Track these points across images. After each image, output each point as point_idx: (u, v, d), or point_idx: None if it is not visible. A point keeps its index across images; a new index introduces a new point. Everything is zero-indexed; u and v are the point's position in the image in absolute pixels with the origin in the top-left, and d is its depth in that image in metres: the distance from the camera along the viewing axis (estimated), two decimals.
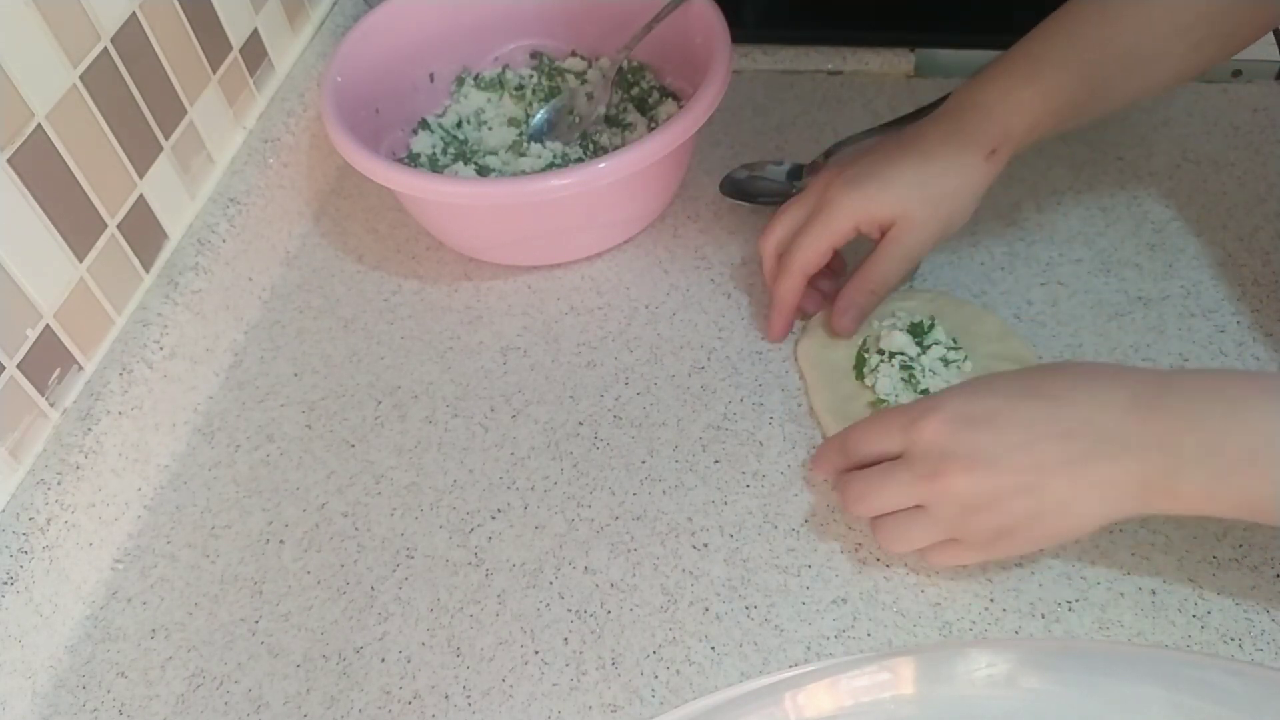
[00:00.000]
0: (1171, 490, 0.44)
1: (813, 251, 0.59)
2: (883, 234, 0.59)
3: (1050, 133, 0.58)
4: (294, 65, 0.78)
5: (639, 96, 0.76)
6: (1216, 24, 0.55)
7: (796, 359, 0.62)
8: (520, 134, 0.75)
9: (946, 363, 0.58)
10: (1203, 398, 0.44)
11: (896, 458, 0.49)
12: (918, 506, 0.49)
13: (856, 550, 0.53)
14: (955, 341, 0.59)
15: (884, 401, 0.57)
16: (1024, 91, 0.56)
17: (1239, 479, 0.43)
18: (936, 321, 0.59)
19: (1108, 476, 0.45)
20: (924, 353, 0.58)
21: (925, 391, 0.57)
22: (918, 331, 0.59)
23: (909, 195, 0.57)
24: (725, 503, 0.56)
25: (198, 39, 0.67)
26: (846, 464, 0.52)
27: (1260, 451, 0.42)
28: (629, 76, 0.76)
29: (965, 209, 0.58)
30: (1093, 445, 0.45)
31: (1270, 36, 0.73)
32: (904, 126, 0.74)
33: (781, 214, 0.62)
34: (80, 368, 0.58)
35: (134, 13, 0.61)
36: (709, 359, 0.63)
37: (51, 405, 0.56)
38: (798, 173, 0.72)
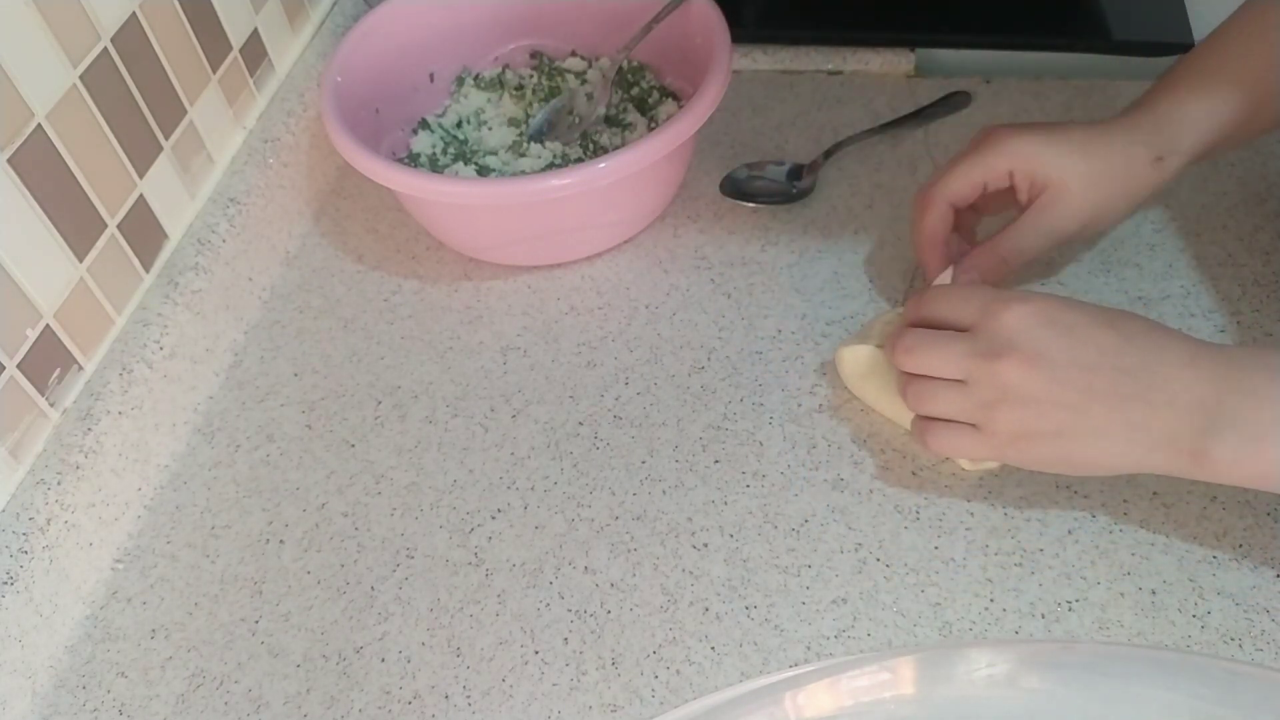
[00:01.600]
0: (1200, 451, 0.45)
1: (964, 181, 0.57)
2: (1028, 201, 0.57)
3: (1220, 149, 0.57)
4: (294, 65, 0.78)
5: (639, 96, 0.76)
6: None
7: (847, 383, 0.60)
8: (520, 134, 0.75)
9: None
10: (1251, 366, 0.46)
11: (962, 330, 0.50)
12: (957, 380, 0.50)
13: (856, 550, 0.54)
14: None
15: None
16: (1193, 105, 0.55)
17: (1268, 447, 0.44)
18: None
19: (1144, 422, 0.46)
20: None
21: None
22: None
23: (1073, 164, 0.55)
24: (725, 503, 0.56)
25: (198, 39, 0.67)
26: (915, 318, 0.53)
27: None
28: (629, 76, 0.76)
29: (1120, 206, 0.56)
30: (1143, 389, 0.46)
31: None
32: (906, 126, 0.74)
33: (947, 165, 0.59)
34: (80, 368, 0.58)
35: (134, 13, 0.61)
36: (709, 359, 0.63)
37: (51, 405, 0.56)
38: (798, 173, 0.72)
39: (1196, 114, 0.56)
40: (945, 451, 0.53)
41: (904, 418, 0.57)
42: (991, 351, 0.48)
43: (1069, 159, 0.55)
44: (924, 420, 0.52)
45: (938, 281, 0.59)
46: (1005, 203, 0.59)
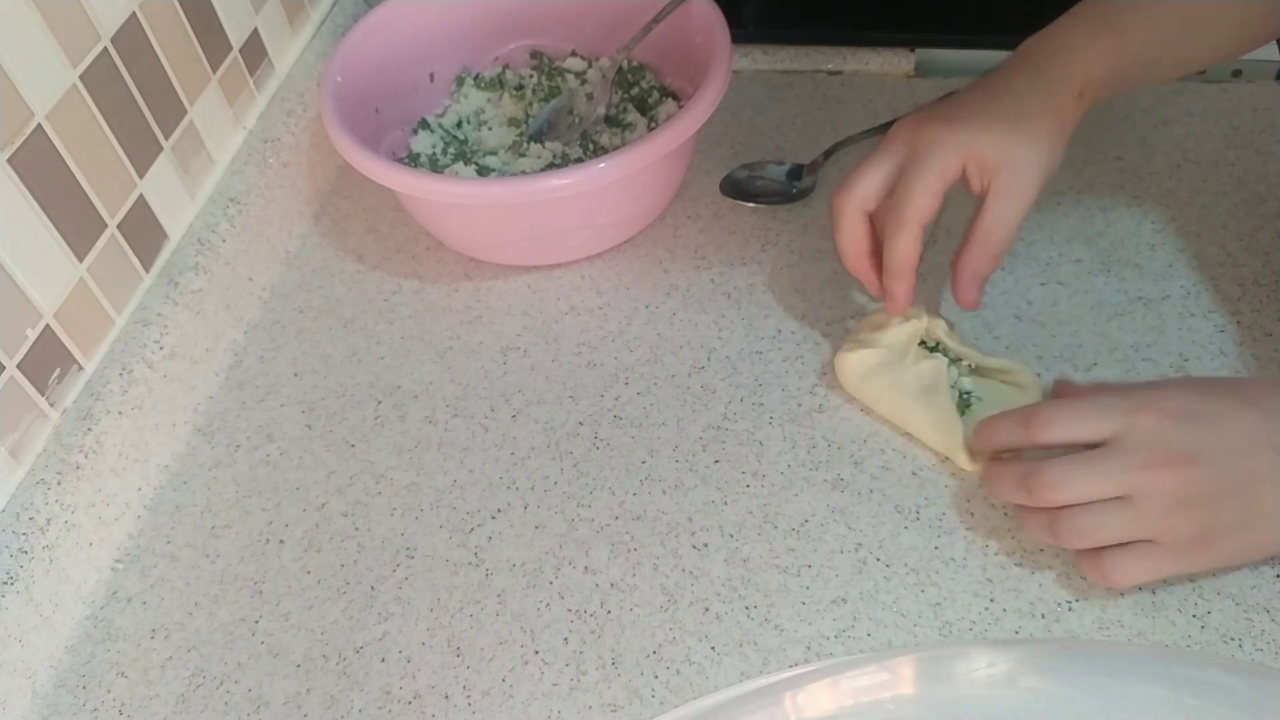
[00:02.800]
0: None
1: (927, 195, 0.54)
2: (983, 187, 0.54)
3: (1122, 89, 0.56)
4: (294, 65, 0.78)
5: (639, 96, 0.76)
6: None
7: (848, 388, 0.59)
8: (520, 134, 0.75)
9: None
10: None
11: (1092, 446, 0.48)
12: (1119, 498, 0.47)
13: (856, 550, 0.53)
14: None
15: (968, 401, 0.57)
16: (1104, 40, 0.54)
17: None
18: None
19: None
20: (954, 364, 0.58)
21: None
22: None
23: (1014, 136, 0.53)
24: (725, 503, 0.56)
25: (198, 39, 0.67)
26: (1026, 443, 0.50)
27: None
28: (629, 76, 0.76)
29: (1060, 150, 0.55)
30: None
31: None
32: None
33: (862, 167, 0.57)
34: (80, 368, 0.58)
35: (134, 13, 0.61)
36: (709, 359, 0.63)
37: (51, 405, 0.56)
38: (798, 173, 0.72)
39: (1109, 47, 0.54)
40: (1133, 582, 0.48)
41: (905, 420, 0.57)
42: (1152, 460, 0.46)
43: (1007, 135, 0.53)
44: (1093, 553, 0.49)
45: (845, 359, 0.58)
46: None
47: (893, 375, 0.57)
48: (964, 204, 0.56)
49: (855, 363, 0.58)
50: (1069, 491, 0.48)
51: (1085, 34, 0.55)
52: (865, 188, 0.56)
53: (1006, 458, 0.53)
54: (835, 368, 0.60)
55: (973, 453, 0.55)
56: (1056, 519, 0.48)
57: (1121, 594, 0.50)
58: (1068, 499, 0.48)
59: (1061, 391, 0.57)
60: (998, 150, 0.53)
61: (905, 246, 0.55)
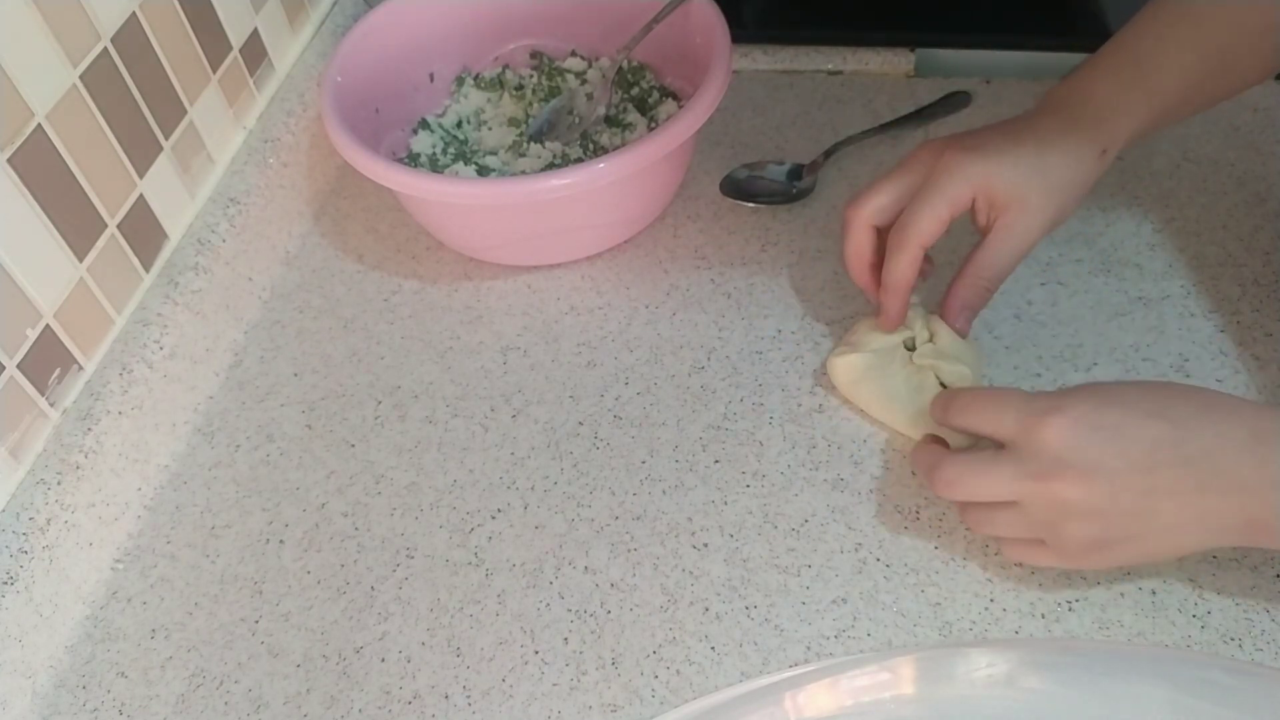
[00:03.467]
0: (1276, 527, 0.44)
1: (932, 220, 0.55)
2: (988, 222, 0.55)
3: (1149, 135, 0.57)
4: (294, 65, 0.78)
5: (639, 96, 0.76)
6: None
7: (842, 392, 0.60)
8: (520, 134, 0.75)
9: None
10: None
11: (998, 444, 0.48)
12: (1011, 502, 0.48)
13: (856, 550, 0.53)
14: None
15: None
16: (1132, 94, 0.55)
17: None
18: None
19: (1216, 510, 0.44)
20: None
21: None
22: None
23: (1029, 179, 0.54)
24: (725, 503, 0.56)
25: (198, 39, 0.67)
26: (943, 422, 0.52)
27: None
28: (629, 76, 0.76)
29: (1075, 203, 0.56)
30: (1209, 478, 0.44)
31: None
32: (906, 126, 0.74)
33: (878, 183, 0.57)
34: (80, 368, 0.58)
35: (134, 13, 0.61)
36: (709, 359, 0.63)
37: (51, 405, 0.56)
38: (798, 173, 0.72)
39: (1136, 107, 0.55)
40: (1024, 562, 0.50)
41: (899, 422, 0.57)
42: (1042, 473, 0.46)
43: (1027, 175, 0.54)
44: (1003, 542, 0.51)
45: (838, 362, 0.58)
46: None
47: (882, 378, 0.57)
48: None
49: (845, 367, 0.59)
50: (962, 490, 0.49)
51: (1116, 87, 0.55)
52: (877, 204, 0.57)
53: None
54: (828, 371, 0.60)
55: None
56: (962, 509, 0.51)
57: (1121, 593, 0.50)
58: (962, 497, 0.49)
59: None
60: (1010, 189, 0.54)
61: (902, 266, 0.56)
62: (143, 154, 0.62)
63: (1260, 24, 0.55)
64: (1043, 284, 0.64)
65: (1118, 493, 0.45)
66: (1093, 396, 0.47)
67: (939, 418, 0.53)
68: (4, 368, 0.53)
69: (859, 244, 0.58)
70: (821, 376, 0.61)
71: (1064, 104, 0.56)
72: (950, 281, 0.57)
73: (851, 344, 0.59)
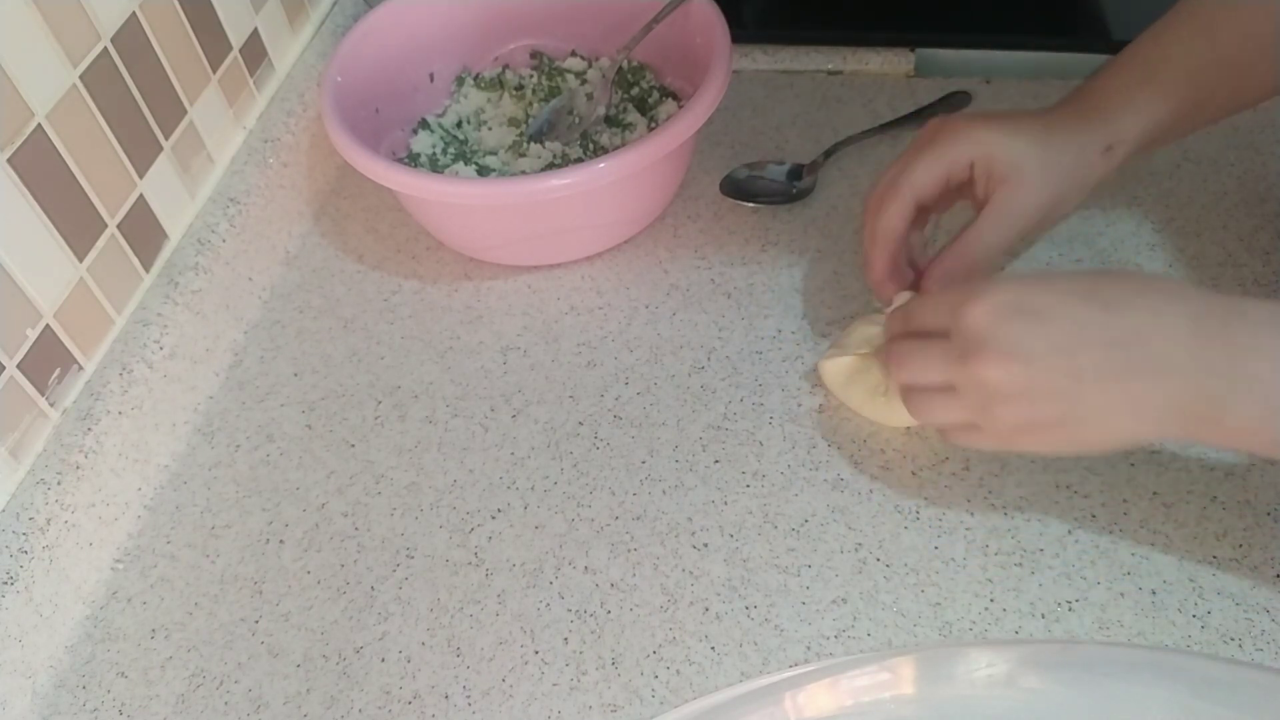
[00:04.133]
0: (1216, 419, 0.43)
1: (927, 174, 0.55)
2: (985, 195, 0.55)
3: (1161, 141, 0.57)
4: (294, 65, 0.78)
5: (639, 96, 0.76)
6: None
7: (835, 395, 0.60)
8: (520, 134, 0.75)
9: None
10: (1270, 328, 0.43)
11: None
12: (947, 386, 0.48)
13: (856, 550, 0.53)
14: None
15: None
16: (1139, 92, 0.55)
17: None
18: None
19: (1147, 396, 0.44)
20: None
21: None
22: None
23: (1030, 154, 0.54)
24: (725, 503, 0.56)
25: (198, 39, 0.67)
26: (901, 331, 0.52)
27: None
28: (629, 76, 0.76)
29: (1074, 195, 0.56)
30: (1139, 361, 0.44)
31: None
32: (906, 126, 0.75)
33: (904, 162, 0.57)
34: (80, 368, 0.58)
35: (134, 13, 0.61)
36: (709, 359, 0.63)
37: (51, 405, 0.56)
38: (798, 173, 0.72)
39: (1142, 106, 0.55)
40: (964, 444, 0.51)
41: (891, 419, 0.57)
42: (966, 353, 0.46)
43: (1027, 150, 0.54)
44: (940, 428, 0.52)
45: (896, 302, 0.57)
46: (953, 199, 0.58)
47: (869, 378, 0.57)
48: (966, 206, 0.57)
49: (833, 370, 0.59)
50: (907, 371, 0.50)
51: (1123, 85, 0.56)
52: (915, 179, 0.56)
53: None
54: (819, 375, 0.60)
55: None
56: (905, 393, 0.51)
57: (1121, 593, 0.50)
58: (908, 378, 0.51)
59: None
60: (1010, 160, 0.54)
61: (892, 214, 0.56)
62: (143, 154, 0.62)
63: (1271, 34, 0.54)
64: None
65: (1038, 374, 0.45)
66: (1021, 281, 0.47)
67: (898, 330, 0.52)
68: (4, 368, 0.53)
69: (895, 216, 0.56)
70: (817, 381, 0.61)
71: (1075, 101, 0.57)
72: (933, 257, 0.57)
73: (841, 347, 0.59)
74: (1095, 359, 0.44)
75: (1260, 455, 0.44)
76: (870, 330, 0.59)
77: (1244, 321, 0.43)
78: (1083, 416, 0.45)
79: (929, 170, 0.55)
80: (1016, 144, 0.54)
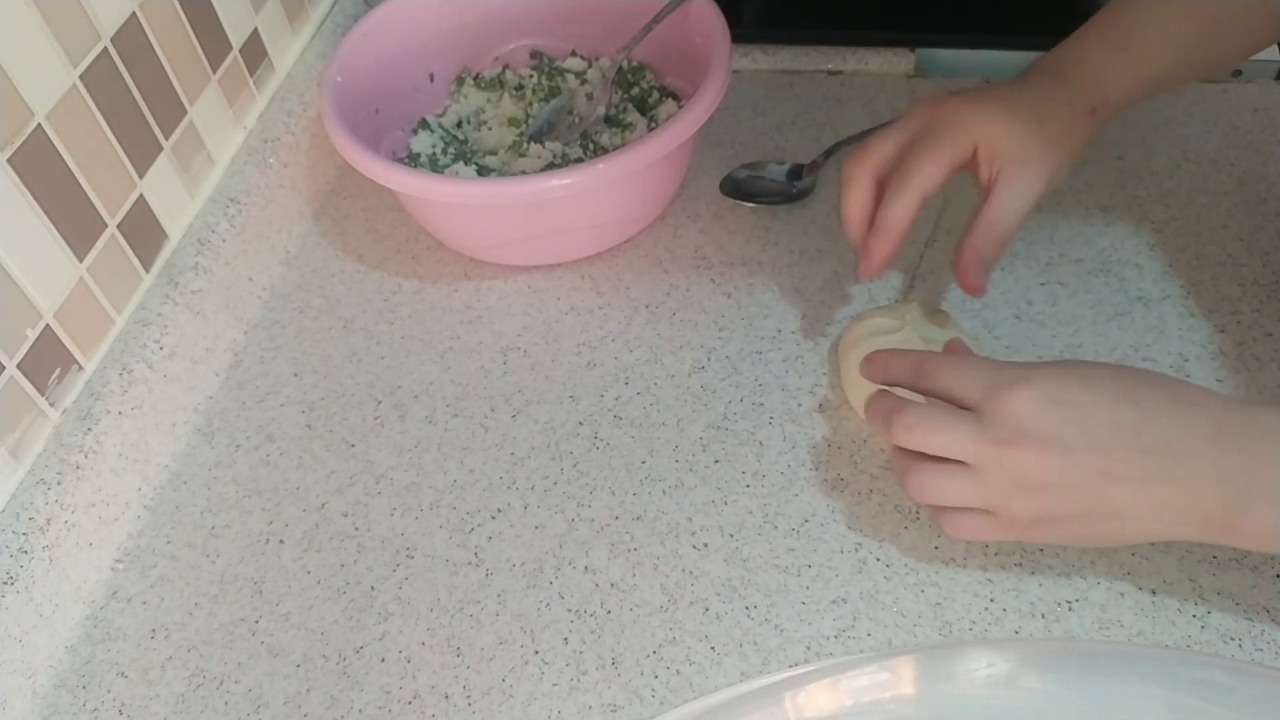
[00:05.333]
0: (1233, 525, 0.43)
1: (934, 166, 0.54)
2: (991, 176, 0.54)
3: (1140, 99, 0.57)
4: (294, 65, 0.78)
5: (639, 96, 0.76)
6: None
7: (848, 391, 0.59)
8: (520, 134, 0.75)
9: None
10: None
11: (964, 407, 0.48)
12: (966, 465, 0.47)
13: (856, 550, 0.53)
14: None
15: None
16: (1120, 58, 0.55)
17: None
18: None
19: (1170, 502, 0.44)
20: None
21: None
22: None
23: (1029, 130, 0.54)
24: (725, 503, 0.56)
25: (198, 39, 0.67)
26: (913, 383, 0.51)
27: None
28: (629, 76, 0.76)
29: (1067, 159, 0.55)
30: (1167, 468, 0.44)
31: None
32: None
33: (876, 136, 0.57)
34: (80, 368, 0.58)
35: (134, 13, 0.61)
36: (709, 359, 0.63)
37: (51, 405, 0.56)
38: (798, 173, 0.72)
39: (1122, 72, 0.55)
40: (966, 536, 0.49)
41: None
42: (1001, 439, 0.45)
43: (1024, 126, 0.54)
44: (943, 512, 0.49)
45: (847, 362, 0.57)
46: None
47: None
48: (966, 204, 0.56)
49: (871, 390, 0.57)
50: (921, 438, 0.48)
51: (1101, 49, 0.56)
52: (879, 153, 0.56)
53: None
54: (849, 397, 0.59)
55: None
56: (907, 469, 0.49)
57: (1121, 593, 0.50)
58: (919, 445, 0.48)
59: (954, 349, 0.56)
60: (1011, 139, 0.54)
61: (900, 210, 0.55)
62: (143, 154, 0.62)
63: None
64: (1043, 284, 0.64)
65: (1071, 469, 0.45)
66: (1062, 373, 0.47)
67: (908, 379, 0.51)
68: (4, 368, 0.53)
69: (860, 196, 0.57)
70: (822, 376, 0.61)
71: (1054, 67, 0.57)
72: (960, 241, 0.55)
73: (853, 341, 0.59)
74: (1127, 462, 0.44)
75: (1276, 554, 0.45)
76: (882, 321, 0.59)
77: (1261, 433, 0.44)
78: (1105, 515, 0.45)
79: (936, 161, 0.54)
80: (1015, 124, 0.54)
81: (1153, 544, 0.52)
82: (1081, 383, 0.46)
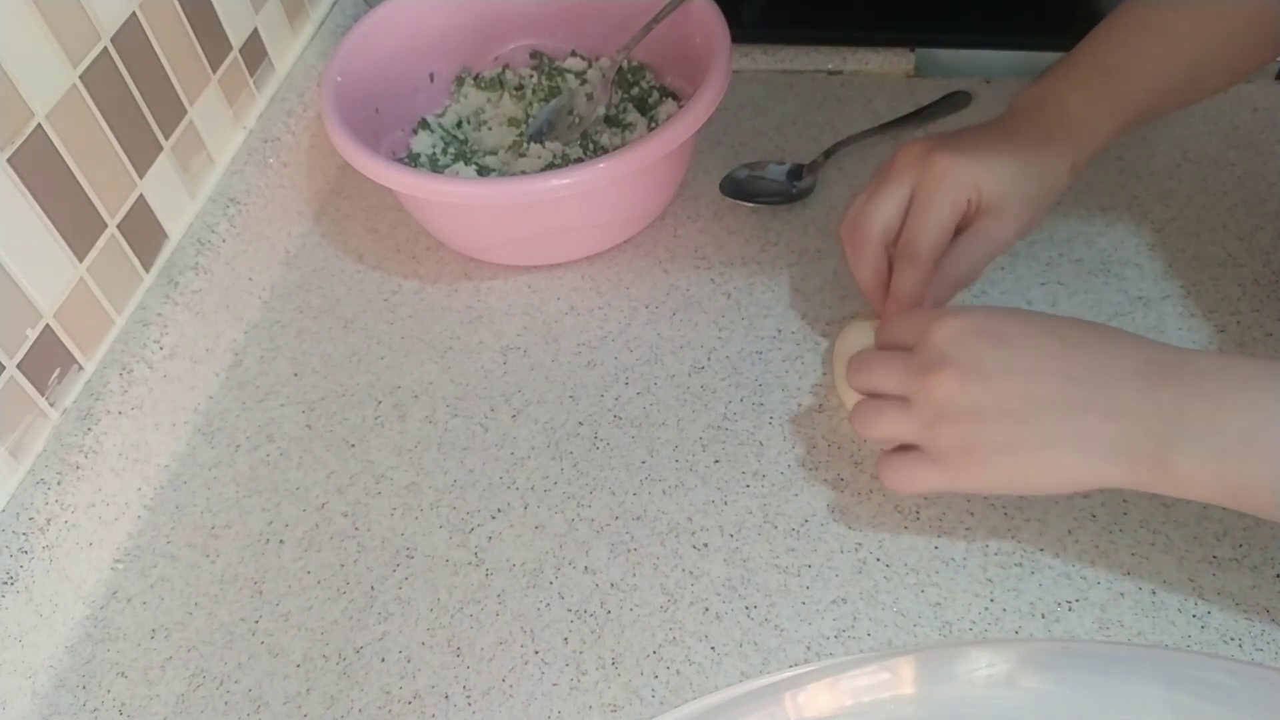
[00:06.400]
0: (1162, 463, 0.43)
1: (938, 232, 0.54)
2: (965, 222, 0.55)
3: (1115, 141, 0.57)
4: (294, 65, 0.78)
5: (639, 96, 0.76)
6: (1269, 26, 0.55)
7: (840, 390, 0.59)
8: (520, 134, 0.75)
9: None
10: (1214, 374, 0.43)
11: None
12: (902, 398, 0.49)
13: (856, 550, 0.53)
14: None
15: None
16: (1102, 106, 0.55)
17: (1235, 460, 0.42)
18: None
19: (1096, 432, 0.44)
20: None
21: None
22: None
23: (1013, 187, 0.54)
24: (725, 503, 0.56)
25: (198, 39, 0.67)
26: (879, 344, 0.54)
27: (1262, 434, 0.41)
28: (629, 76, 0.76)
29: (1042, 214, 0.56)
30: (1092, 397, 0.44)
31: None
32: (906, 126, 0.75)
33: (873, 198, 0.56)
34: (80, 368, 0.58)
35: (134, 13, 0.61)
36: (709, 359, 0.63)
37: (51, 405, 0.56)
38: (798, 173, 0.72)
39: (1105, 121, 0.56)
40: (907, 488, 0.50)
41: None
42: (926, 366, 0.47)
43: (1011, 183, 0.54)
44: (882, 458, 0.51)
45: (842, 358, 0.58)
46: None
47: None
48: None
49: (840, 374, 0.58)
50: (864, 378, 0.52)
51: (1086, 98, 0.56)
52: (885, 220, 0.56)
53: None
54: (844, 400, 0.59)
55: None
56: (855, 408, 0.52)
57: (1121, 593, 0.50)
58: (862, 384, 0.52)
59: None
60: (994, 194, 0.54)
61: (916, 282, 0.55)
62: (143, 154, 0.62)
63: (1226, 32, 0.55)
64: (1043, 284, 0.64)
65: (992, 393, 0.45)
66: (991, 309, 0.49)
67: (879, 343, 0.54)
68: (4, 368, 0.53)
69: (873, 264, 0.57)
70: (823, 376, 0.61)
71: (1037, 112, 0.56)
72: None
73: (847, 339, 0.59)
74: (1050, 388, 0.45)
75: (1209, 503, 0.44)
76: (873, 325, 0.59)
77: (1191, 369, 0.44)
78: (1029, 445, 0.45)
79: (940, 226, 0.55)
80: (1003, 179, 0.54)
81: (1152, 543, 0.52)
82: (1009, 316, 0.48)
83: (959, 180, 0.54)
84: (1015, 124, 0.56)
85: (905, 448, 0.50)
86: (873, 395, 0.52)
